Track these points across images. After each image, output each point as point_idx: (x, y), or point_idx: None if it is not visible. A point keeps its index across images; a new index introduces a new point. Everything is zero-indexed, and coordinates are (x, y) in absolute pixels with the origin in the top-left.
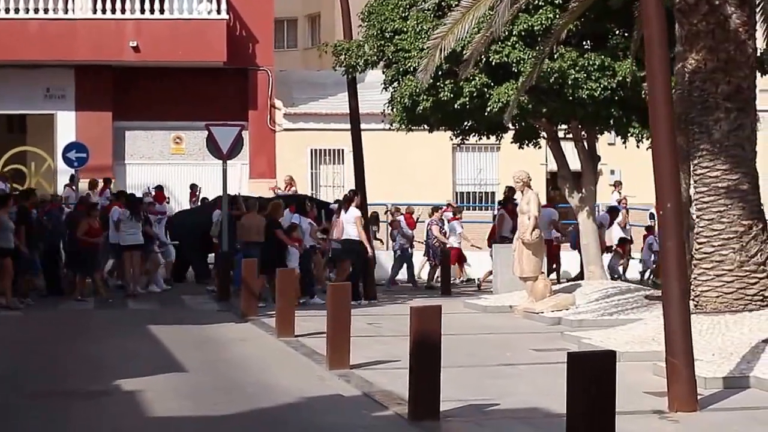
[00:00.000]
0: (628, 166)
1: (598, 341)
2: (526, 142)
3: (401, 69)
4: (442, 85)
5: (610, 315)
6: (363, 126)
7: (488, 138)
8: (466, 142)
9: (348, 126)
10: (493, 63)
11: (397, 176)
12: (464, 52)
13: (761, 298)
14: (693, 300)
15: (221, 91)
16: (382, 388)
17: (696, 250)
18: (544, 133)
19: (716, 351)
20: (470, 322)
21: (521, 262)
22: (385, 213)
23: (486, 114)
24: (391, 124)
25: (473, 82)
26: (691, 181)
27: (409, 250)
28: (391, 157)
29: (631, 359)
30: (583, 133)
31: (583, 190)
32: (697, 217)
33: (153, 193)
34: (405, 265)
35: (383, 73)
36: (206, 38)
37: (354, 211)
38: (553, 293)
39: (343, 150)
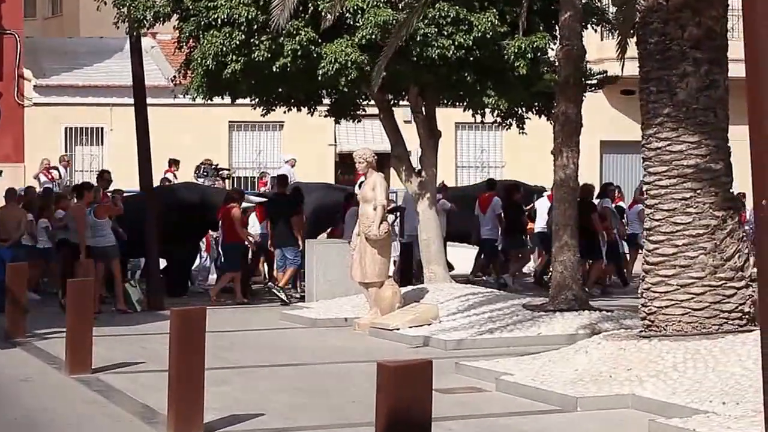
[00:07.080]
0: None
1: (527, 378)
2: (347, 115)
3: (203, 23)
4: (256, 43)
5: (490, 333)
6: (120, 100)
7: (299, 111)
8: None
9: (109, 101)
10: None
11: (162, 160)
12: None
13: (740, 314)
14: (646, 320)
15: None
16: None
17: (649, 251)
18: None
19: (720, 394)
20: (308, 343)
21: (363, 264)
22: None
23: (320, 78)
24: (186, 93)
25: (297, 38)
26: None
27: None
28: (157, 138)
29: (598, 407)
30: (423, 103)
31: (423, 174)
32: (650, 207)
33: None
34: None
35: (176, 28)
36: None
37: None
38: (403, 303)
39: (102, 128)
